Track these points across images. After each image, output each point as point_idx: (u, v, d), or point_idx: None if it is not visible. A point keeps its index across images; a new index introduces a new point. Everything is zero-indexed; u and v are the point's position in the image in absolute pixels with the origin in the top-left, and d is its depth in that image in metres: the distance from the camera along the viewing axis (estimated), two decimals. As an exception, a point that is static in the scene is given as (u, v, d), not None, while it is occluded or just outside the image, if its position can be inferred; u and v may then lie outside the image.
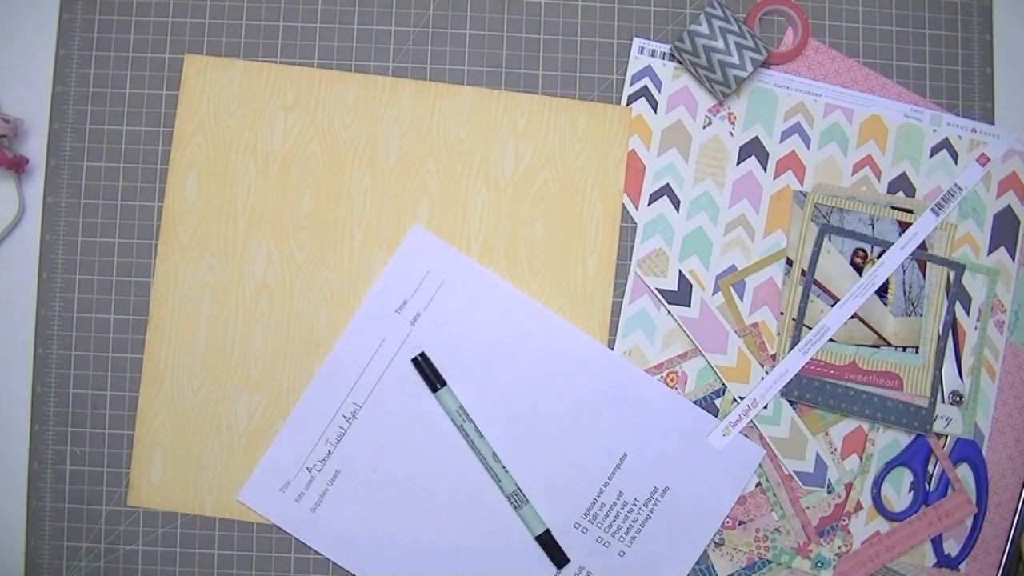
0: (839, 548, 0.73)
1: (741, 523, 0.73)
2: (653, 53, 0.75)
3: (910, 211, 0.75)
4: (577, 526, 0.72)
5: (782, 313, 0.74)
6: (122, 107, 0.74)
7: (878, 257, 0.74)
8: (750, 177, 0.75)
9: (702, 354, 0.73)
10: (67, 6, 0.74)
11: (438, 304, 0.72)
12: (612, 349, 0.73)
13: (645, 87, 0.75)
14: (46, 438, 0.72)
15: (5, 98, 0.74)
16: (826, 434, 0.73)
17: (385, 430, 0.72)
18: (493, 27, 0.75)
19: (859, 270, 0.74)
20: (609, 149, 0.74)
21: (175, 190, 0.73)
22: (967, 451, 0.74)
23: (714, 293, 0.74)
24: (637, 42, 0.75)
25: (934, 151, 0.75)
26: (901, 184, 0.75)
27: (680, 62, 0.75)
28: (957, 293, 0.74)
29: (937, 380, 0.74)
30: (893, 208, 0.75)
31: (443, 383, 0.71)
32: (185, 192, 0.73)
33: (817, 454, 0.73)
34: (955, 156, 0.75)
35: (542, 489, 0.72)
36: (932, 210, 0.75)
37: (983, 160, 0.75)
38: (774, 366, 0.73)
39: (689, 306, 0.73)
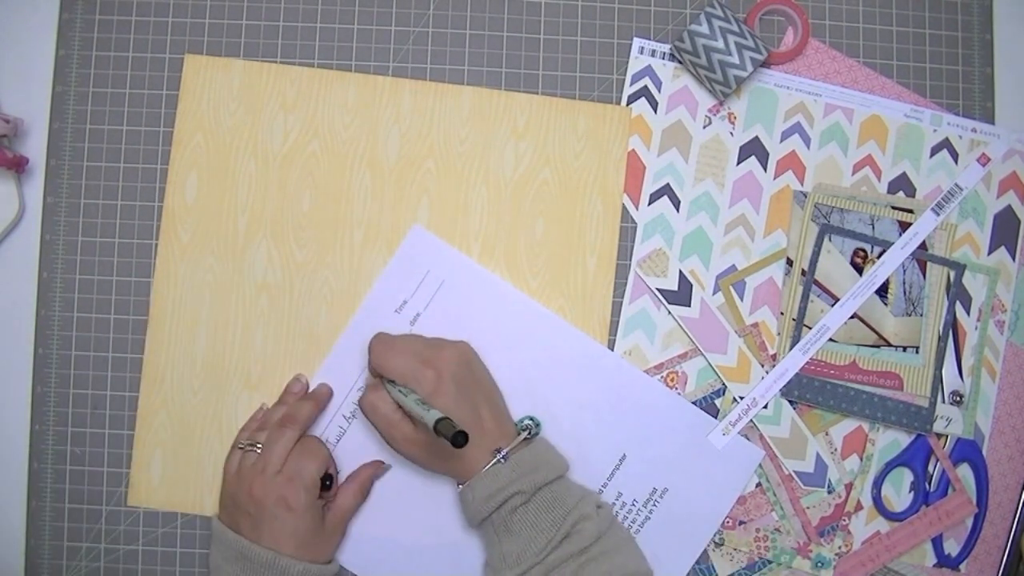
0: (839, 548, 0.73)
1: (741, 523, 0.73)
2: (653, 53, 0.75)
3: (910, 211, 0.75)
4: (577, 526, 0.72)
5: (782, 313, 0.74)
6: (122, 107, 0.74)
7: (878, 257, 0.74)
8: (750, 177, 0.75)
9: (702, 354, 0.73)
10: (67, 6, 0.74)
11: (438, 304, 0.72)
12: (612, 349, 0.73)
13: (645, 87, 0.75)
14: (46, 438, 0.72)
15: (5, 98, 0.74)
16: (826, 434, 0.73)
17: (385, 430, 0.72)
18: (493, 27, 0.75)
19: (859, 270, 0.74)
20: (609, 149, 0.74)
21: (175, 190, 0.73)
22: (967, 451, 0.74)
23: (714, 293, 0.74)
24: (637, 42, 0.75)
25: (934, 151, 0.75)
26: (901, 184, 0.75)
27: (680, 62, 0.75)
28: (957, 293, 0.74)
29: (937, 380, 0.74)
30: (893, 208, 0.75)
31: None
32: (185, 192, 0.73)
33: (817, 454, 0.73)
34: (955, 156, 0.75)
35: (542, 489, 0.72)
36: (932, 210, 0.75)
37: (983, 160, 0.75)
38: (774, 366, 0.73)
39: (689, 306, 0.73)
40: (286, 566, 0.63)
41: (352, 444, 0.71)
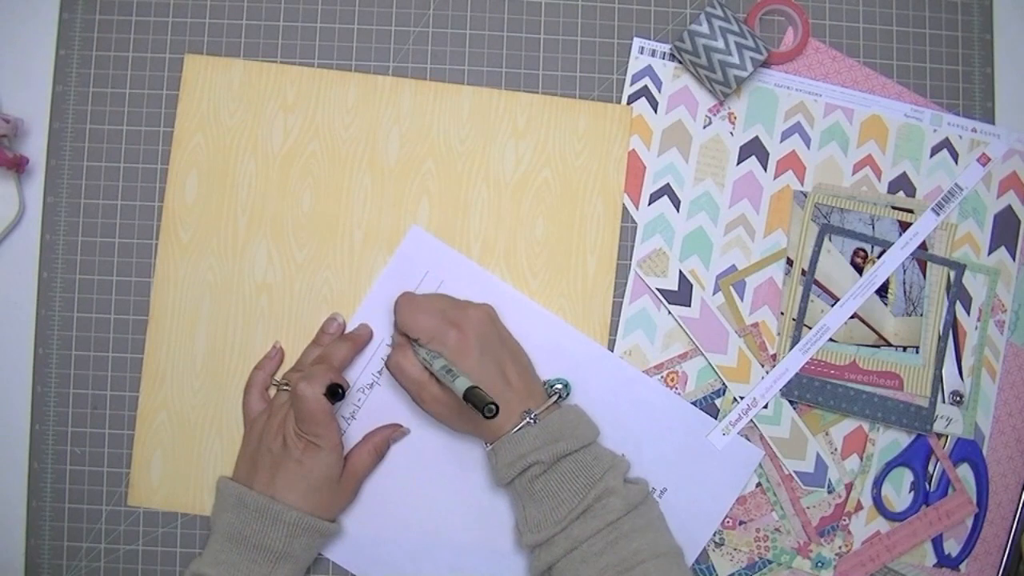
0: (839, 548, 0.73)
1: (741, 523, 0.73)
2: (653, 53, 0.75)
3: (910, 211, 0.75)
4: (577, 526, 0.72)
5: (782, 313, 0.74)
6: (122, 107, 0.74)
7: (878, 257, 0.74)
8: (750, 177, 0.75)
9: (702, 354, 0.73)
10: (67, 6, 0.74)
11: (438, 304, 0.72)
12: (612, 349, 0.73)
13: (645, 87, 0.75)
14: (46, 438, 0.72)
15: (5, 98, 0.74)
16: (826, 434, 0.73)
17: (385, 430, 0.72)
18: (493, 27, 0.75)
19: (859, 270, 0.74)
20: (609, 149, 0.74)
21: (175, 190, 0.73)
22: (967, 451, 0.74)
23: (714, 293, 0.74)
24: (637, 42, 0.75)
25: (934, 151, 0.75)
26: (901, 184, 0.75)
27: (680, 62, 0.75)
28: (957, 293, 0.74)
29: (937, 380, 0.74)
30: (893, 208, 0.75)
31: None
32: (185, 192, 0.73)
33: (817, 454, 0.73)
34: (955, 156, 0.75)
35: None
36: (932, 210, 0.75)
37: (983, 160, 0.75)
38: (774, 366, 0.73)
39: (689, 306, 0.73)
40: (279, 512, 0.64)
41: (352, 444, 0.71)
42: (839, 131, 0.75)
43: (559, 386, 0.70)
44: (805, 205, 0.74)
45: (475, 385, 0.61)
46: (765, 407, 0.73)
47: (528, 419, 0.64)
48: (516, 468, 0.64)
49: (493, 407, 0.59)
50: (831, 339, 0.73)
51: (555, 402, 0.67)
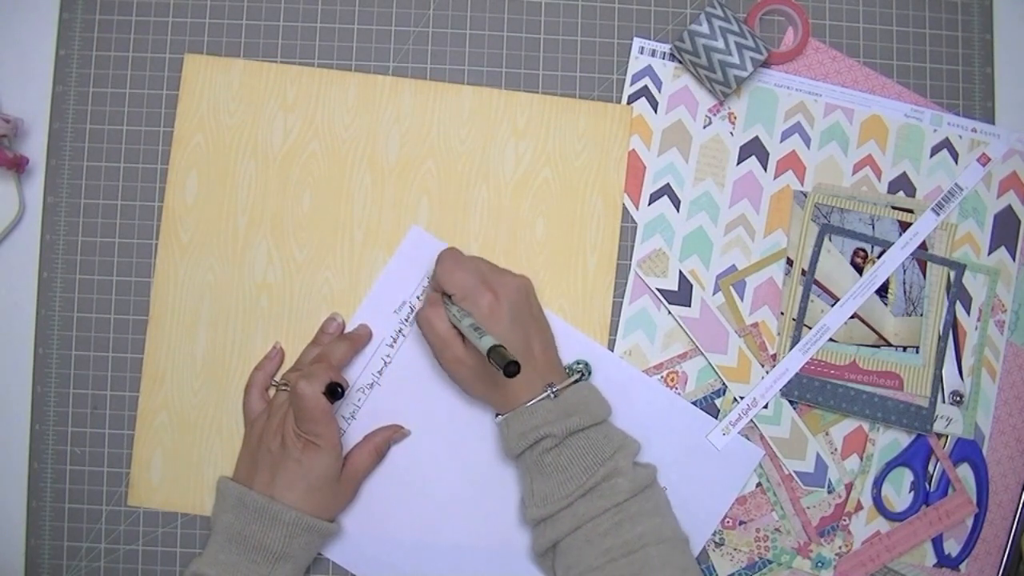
0: (839, 548, 0.73)
1: (741, 523, 0.73)
2: (653, 53, 0.75)
3: (910, 211, 0.75)
4: (577, 526, 0.72)
5: (782, 313, 0.74)
6: (122, 107, 0.74)
7: (878, 257, 0.74)
8: (750, 177, 0.75)
9: (702, 354, 0.73)
10: (67, 6, 0.74)
11: (438, 304, 0.72)
12: (612, 349, 0.73)
13: (645, 87, 0.75)
14: (46, 438, 0.72)
15: (5, 98, 0.74)
16: (826, 434, 0.73)
17: (385, 430, 0.72)
18: (493, 27, 0.75)
19: (859, 270, 0.74)
20: (610, 149, 0.74)
21: (175, 190, 0.73)
22: (967, 451, 0.74)
23: (714, 293, 0.74)
24: (637, 42, 0.75)
25: (934, 151, 0.75)
26: (901, 184, 0.75)
27: (680, 62, 0.75)
28: (957, 293, 0.74)
29: (937, 380, 0.74)
30: (893, 208, 0.75)
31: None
32: (185, 192, 0.73)
33: (817, 454, 0.73)
34: (955, 156, 0.75)
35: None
36: (932, 210, 0.75)
37: (983, 160, 0.75)
38: (774, 366, 0.73)
39: (689, 306, 0.73)
40: (278, 512, 0.64)
41: (352, 444, 0.71)
42: (839, 131, 0.75)
43: (579, 366, 0.70)
44: (805, 205, 0.74)
45: (500, 344, 0.61)
46: (765, 407, 0.73)
47: (549, 392, 0.65)
48: (528, 440, 0.64)
49: (515, 366, 0.59)
50: (831, 339, 0.73)
51: (575, 381, 0.67)
